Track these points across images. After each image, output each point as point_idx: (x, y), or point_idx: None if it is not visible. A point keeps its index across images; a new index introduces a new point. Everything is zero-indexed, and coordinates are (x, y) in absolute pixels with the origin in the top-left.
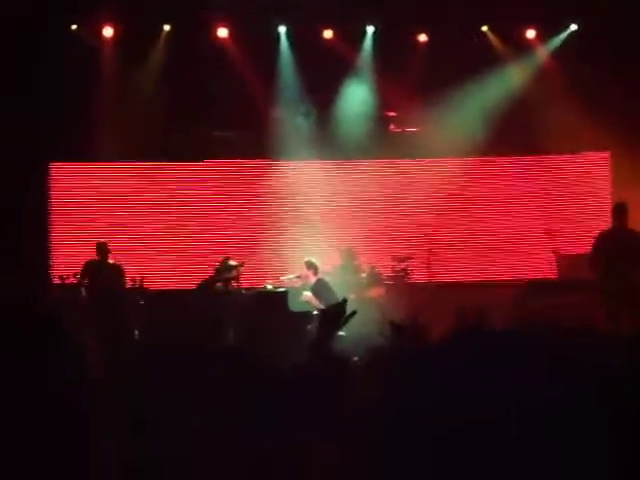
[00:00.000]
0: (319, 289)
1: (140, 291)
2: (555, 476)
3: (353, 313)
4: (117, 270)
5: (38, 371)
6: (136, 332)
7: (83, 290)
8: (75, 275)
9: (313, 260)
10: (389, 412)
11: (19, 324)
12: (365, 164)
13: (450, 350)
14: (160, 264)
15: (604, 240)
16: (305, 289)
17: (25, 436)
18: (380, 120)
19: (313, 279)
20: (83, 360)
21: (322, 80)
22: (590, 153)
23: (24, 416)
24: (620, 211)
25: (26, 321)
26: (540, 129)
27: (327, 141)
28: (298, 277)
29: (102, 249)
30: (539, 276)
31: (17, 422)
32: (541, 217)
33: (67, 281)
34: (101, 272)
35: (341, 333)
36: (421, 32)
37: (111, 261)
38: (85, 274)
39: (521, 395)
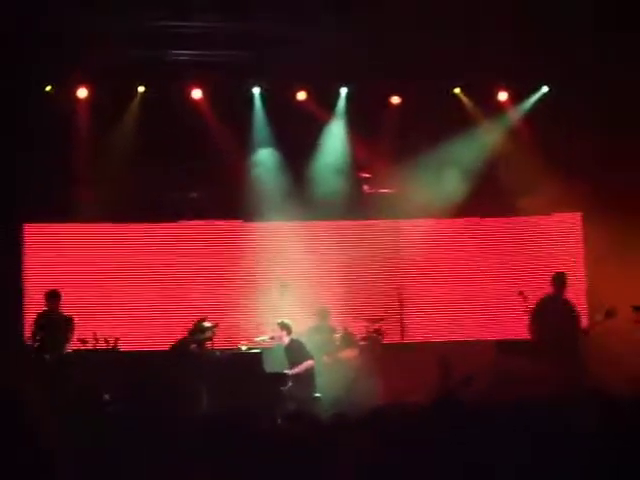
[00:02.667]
0: (293, 349)
1: (114, 353)
2: None
3: None
4: (66, 322)
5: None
6: (106, 396)
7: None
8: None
9: (286, 321)
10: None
11: None
12: (339, 225)
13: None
14: (134, 325)
15: (542, 307)
16: (279, 350)
17: None
18: (354, 181)
19: (287, 339)
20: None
21: (295, 141)
22: (562, 214)
23: None
24: (560, 281)
25: None
26: (512, 190)
27: (300, 202)
28: (272, 338)
29: (52, 297)
30: (511, 336)
31: None
32: (514, 278)
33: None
34: (51, 324)
35: (316, 395)
36: (394, 94)
37: (61, 312)
38: (37, 327)
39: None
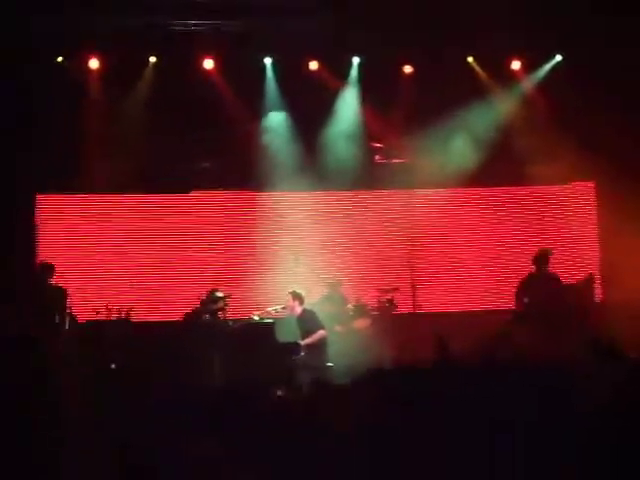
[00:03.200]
0: (306, 319)
1: (126, 323)
2: None
3: None
4: (59, 292)
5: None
6: (112, 365)
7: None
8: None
9: (298, 291)
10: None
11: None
12: (351, 195)
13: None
14: (146, 296)
15: (527, 282)
16: (291, 320)
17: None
18: (366, 151)
19: (299, 309)
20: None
21: (308, 111)
22: (575, 183)
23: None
24: (542, 257)
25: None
26: (525, 159)
27: (312, 172)
28: (284, 308)
29: (45, 269)
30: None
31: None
32: (527, 247)
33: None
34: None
35: (329, 364)
36: (406, 63)
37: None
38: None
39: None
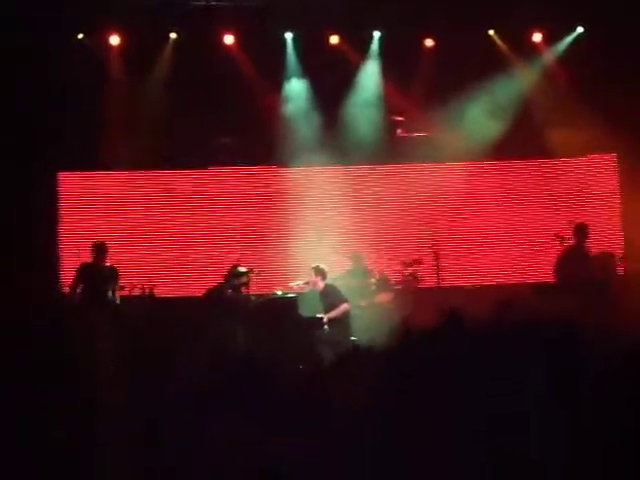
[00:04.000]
0: (328, 294)
1: (149, 299)
2: None
3: None
4: (112, 273)
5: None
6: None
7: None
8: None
9: (321, 266)
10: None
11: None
12: (372, 169)
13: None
14: (169, 272)
15: (568, 255)
16: (314, 295)
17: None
18: (387, 125)
19: (321, 284)
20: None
21: (329, 85)
22: (597, 155)
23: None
24: (582, 230)
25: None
26: (547, 132)
27: (334, 146)
28: (307, 283)
29: (99, 249)
30: (547, 279)
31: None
32: (550, 220)
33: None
34: (95, 275)
35: (353, 338)
36: (427, 37)
37: (107, 264)
38: (80, 278)
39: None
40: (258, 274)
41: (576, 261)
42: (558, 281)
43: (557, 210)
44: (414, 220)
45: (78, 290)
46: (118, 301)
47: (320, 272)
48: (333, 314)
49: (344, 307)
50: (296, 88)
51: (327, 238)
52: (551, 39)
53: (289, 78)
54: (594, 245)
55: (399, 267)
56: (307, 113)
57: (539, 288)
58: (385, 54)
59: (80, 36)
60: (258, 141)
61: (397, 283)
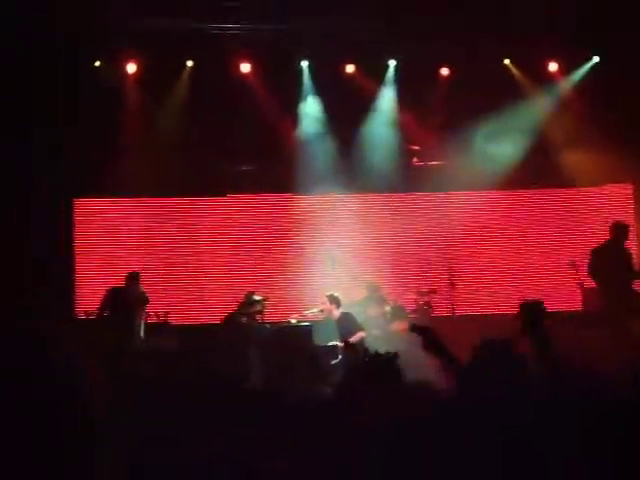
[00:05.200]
0: (344, 322)
1: (164, 326)
2: None
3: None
4: (143, 298)
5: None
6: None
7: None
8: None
9: (335, 294)
10: None
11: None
12: (388, 197)
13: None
14: (184, 299)
15: (602, 253)
16: (329, 323)
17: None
18: (403, 154)
19: (336, 313)
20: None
21: (344, 114)
22: (613, 186)
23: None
24: (623, 229)
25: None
26: (563, 162)
27: (350, 175)
28: (321, 311)
29: (135, 278)
30: (562, 308)
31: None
32: (565, 250)
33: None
34: (123, 300)
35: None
36: (443, 65)
37: (139, 289)
38: (107, 302)
39: None
40: (266, 299)
41: (610, 257)
42: (592, 276)
43: (573, 240)
44: (429, 249)
45: (105, 313)
46: (143, 327)
47: (334, 300)
48: (350, 340)
49: (360, 335)
50: (312, 116)
51: (342, 266)
52: (567, 68)
53: (305, 106)
54: None
55: (414, 296)
56: (323, 140)
57: (554, 317)
58: (401, 82)
59: (97, 63)
60: (274, 168)
61: (412, 312)
